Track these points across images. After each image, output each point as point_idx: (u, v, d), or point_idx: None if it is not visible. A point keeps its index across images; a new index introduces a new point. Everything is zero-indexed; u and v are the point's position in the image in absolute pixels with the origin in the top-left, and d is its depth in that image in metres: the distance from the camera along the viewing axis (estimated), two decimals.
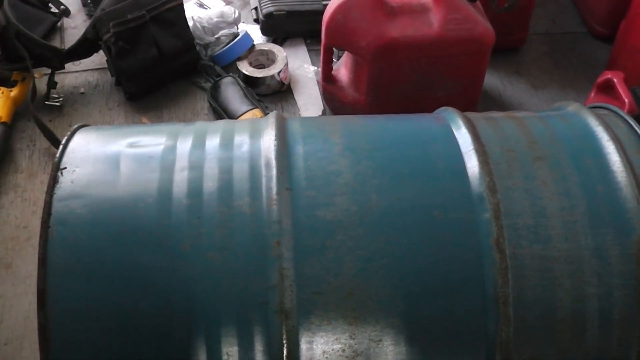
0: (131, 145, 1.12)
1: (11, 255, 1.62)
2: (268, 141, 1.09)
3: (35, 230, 1.68)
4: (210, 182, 1.05)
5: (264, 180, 1.04)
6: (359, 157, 1.08)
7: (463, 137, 1.11)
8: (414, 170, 1.08)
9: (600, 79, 1.79)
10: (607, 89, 1.76)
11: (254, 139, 1.11)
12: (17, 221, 1.69)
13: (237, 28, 2.08)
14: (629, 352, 1.03)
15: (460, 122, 1.14)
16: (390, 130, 1.17)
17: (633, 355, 1.03)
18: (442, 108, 1.24)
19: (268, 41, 2.12)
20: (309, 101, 1.98)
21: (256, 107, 1.87)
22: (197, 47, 2.02)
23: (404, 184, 1.05)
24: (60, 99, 1.96)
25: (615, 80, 1.72)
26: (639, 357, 1.04)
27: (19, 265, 1.60)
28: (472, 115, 1.20)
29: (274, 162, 1.05)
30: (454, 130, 1.13)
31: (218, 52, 2.03)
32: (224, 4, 2.20)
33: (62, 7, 2.18)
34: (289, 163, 1.06)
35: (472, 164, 1.07)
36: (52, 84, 1.95)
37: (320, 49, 1.81)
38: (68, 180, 1.05)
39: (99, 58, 2.01)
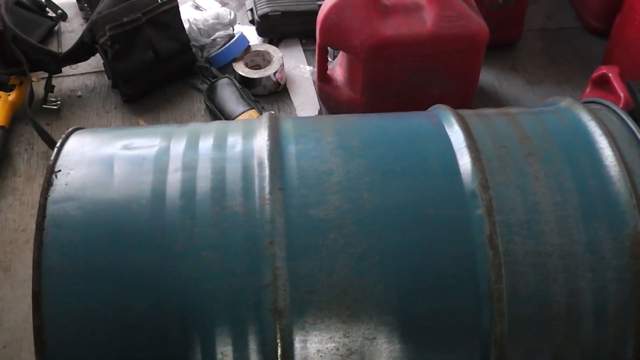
0: (125, 147, 1.12)
1: (10, 259, 1.63)
2: (261, 141, 1.10)
3: (34, 233, 1.69)
4: (203, 183, 1.05)
5: (256, 180, 1.04)
6: (351, 156, 1.08)
7: (455, 134, 1.11)
8: (406, 167, 1.08)
9: (596, 73, 1.78)
10: (603, 83, 1.76)
11: (246, 140, 1.12)
12: (16, 224, 1.70)
13: (233, 29, 2.08)
14: (624, 347, 1.03)
15: (453, 119, 1.14)
16: (383, 128, 1.18)
17: (629, 350, 1.04)
18: (435, 106, 1.24)
19: (264, 42, 2.12)
20: (305, 101, 1.98)
21: (252, 108, 1.87)
22: (193, 49, 2.03)
23: (396, 181, 1.06)
24: (58, 102, 1.97)
25: (610, 74, 1.72)
26: (635, 351, 1.03)
27: (17, 269, 1.61)
28: (464, 112, 1.20)
29: (266, 162, 1.06)
30: (447, 128, 1.13)
31: (214, 54, 2.03)
32: (220, 5, 2.21)
33: (59, 11, 2.19)
34: (281, 163, 1.07)
35: (465, 161, 1.07)
36: (49, 88, 1.96)
37: (315, 49, 1.81)
38: (62, 182, 1.06)
39: (95, 61, 2.02)
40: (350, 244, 1.00)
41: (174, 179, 1.06)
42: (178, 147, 1.11)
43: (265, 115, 1.17)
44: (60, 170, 1.08)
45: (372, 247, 1.00)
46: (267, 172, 1.04)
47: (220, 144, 1.11)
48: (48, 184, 1.06)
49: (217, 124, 1.21)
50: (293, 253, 0.99)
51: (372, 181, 1.05)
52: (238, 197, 1.03)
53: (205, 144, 1.11)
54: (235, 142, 1.11)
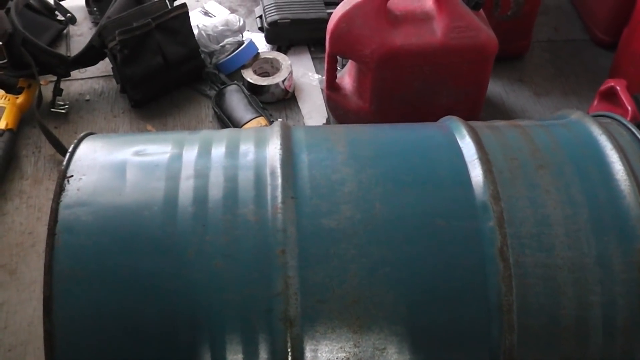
0: (137, 154, 1.13)
1: (16, 262, 1.63)
2: (273, 150, 1.10)
3: (40, 236, 1.69)
4: (215, 190, 1.05)
5: (269, 188, 1.05)
6: (363, 166, 1.09)
7: (467, 145, 1.12)
8: (417, 178, 1.08)
9: (603, 86, 1.79)
10: (610, 96, 1.76)
11: (259, 148, 1.12)
12: (22, 227, 1.70)
13: (242, 36, 2.09)
14: None
15: (464, 131, 1.14)
16: (394, 138, 1.18)
17: None
18: (446, 117, 1.24)
19: (272, 49, 2.13)
20: (313, 109, 1.98)
21: (261, 115, 1.87)
22: (202, 55, 2.03)
23: (407, 192, 1.06)
24: (66, 106, 1.97)
25: (618, 87, 1.73)
26: None
27: (23, 272, 1.61)
28: (475, 124, 1.20)
29: (279, 171, 1.06)
30: (458, 139, 1.14)
31: (223, 60, 2.04)
32: (229, 12, 2.21)
33: (68, 14, 2.19)
34: (293, 172, 1.07)
35: (476, 173, 1.07)
36: (57, 91, 1.96)
37: (324, 57, 1.82)
38: (74, 187, 1.06)
39: (104, 65, 2.03)
40: (362, 254, 1.00)
41: (186, 186, 1.06)
42: (190, 154, 1.11)
43: (277, 123, 1.18)
44: (72, 175, 1.08)
45: (383, 257, 1.01)
46: (279, 180, 1.05)
47: (232, 152, 1.11)
48: (60, 188, 1.06)
49: (228, 131, 1.22)
50: (304, 262, 0.99)
51: (383, 191, 1.06)
52: (250, 205, 1.03)
53: (218, 152, 1.12)
54: (247, 150, 1.12)
